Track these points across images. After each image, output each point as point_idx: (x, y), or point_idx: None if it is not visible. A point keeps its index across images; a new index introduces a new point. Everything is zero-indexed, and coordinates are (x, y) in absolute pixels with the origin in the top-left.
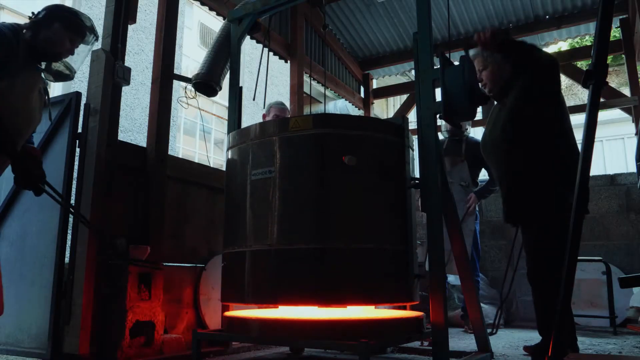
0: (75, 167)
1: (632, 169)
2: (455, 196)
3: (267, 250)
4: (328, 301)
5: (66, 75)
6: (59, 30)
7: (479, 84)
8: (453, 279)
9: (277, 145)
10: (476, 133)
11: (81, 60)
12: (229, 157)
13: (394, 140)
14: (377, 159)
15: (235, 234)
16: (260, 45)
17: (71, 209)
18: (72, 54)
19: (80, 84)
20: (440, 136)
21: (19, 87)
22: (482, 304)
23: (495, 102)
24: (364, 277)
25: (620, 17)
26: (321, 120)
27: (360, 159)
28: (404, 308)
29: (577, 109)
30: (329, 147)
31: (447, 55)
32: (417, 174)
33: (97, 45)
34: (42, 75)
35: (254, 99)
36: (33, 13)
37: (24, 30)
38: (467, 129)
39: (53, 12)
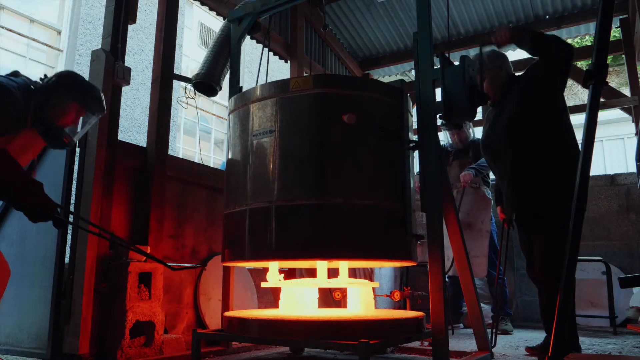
0: (75, 167)
1: (632, 169)
2: (467, 197)
3: (268, 207)
4: (328, 256)
5: (63, 146)
6: (68, 103)
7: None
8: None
9: (279, 105)
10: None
11: (83, 132)
12: (231, 120)
13: (393, 103)
14: (376, 119)
15: (236, 193)
16: (260, 45)
17: (103, 232)
18: (76, 126)
19: None
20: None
21: (13, 146)
22: (482, 304)
23: (491, 107)
24: (363, 232)
25: (620, 17)
26: (321, 80)
27: (359, 118)
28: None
29: (577, 109)
30: (329, 106)
31: (447, 55)
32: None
33: (97, 46)
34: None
35: None
36: (45, 75)
37: (32, 87)
38: (472, 136)
39: (67, 84)
